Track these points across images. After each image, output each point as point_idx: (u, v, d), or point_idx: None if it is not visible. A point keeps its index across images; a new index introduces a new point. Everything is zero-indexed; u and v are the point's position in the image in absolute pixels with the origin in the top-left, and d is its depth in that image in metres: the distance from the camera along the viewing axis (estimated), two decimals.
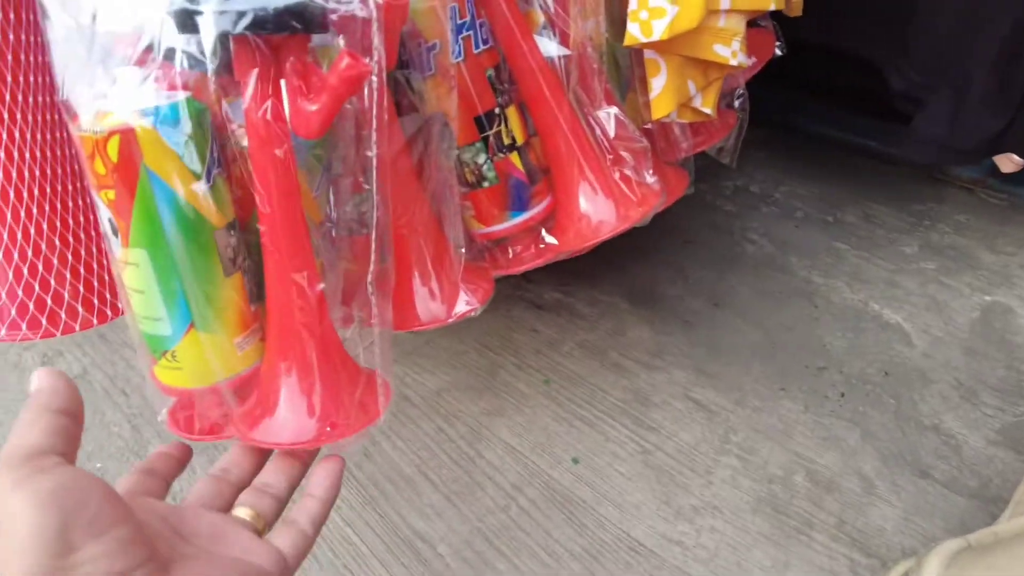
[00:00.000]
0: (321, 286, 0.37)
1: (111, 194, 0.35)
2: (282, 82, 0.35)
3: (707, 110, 0.56)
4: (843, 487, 0.66)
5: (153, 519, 0.29)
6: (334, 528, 0.65)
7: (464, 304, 0.46)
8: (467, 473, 0.69)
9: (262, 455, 0.39)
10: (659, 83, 0.53)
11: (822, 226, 0.99)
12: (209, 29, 0.33)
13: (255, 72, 0.34)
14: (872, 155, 1.03)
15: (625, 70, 0.57)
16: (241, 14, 0.32)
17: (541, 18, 0.49)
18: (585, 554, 0.62)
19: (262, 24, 0.32)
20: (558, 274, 0.88)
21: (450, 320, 0.46)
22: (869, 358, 0.79)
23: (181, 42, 0.34)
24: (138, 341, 0.40)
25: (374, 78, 0.35)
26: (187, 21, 0.33)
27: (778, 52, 0.70)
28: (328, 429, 0.37)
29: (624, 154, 0.47)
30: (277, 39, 0.34)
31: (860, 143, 1.00)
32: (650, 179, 0.48)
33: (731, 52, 0.52)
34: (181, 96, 0.36)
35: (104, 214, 0.36)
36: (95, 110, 0.34)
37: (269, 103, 0.34)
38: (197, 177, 0.36)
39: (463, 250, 0.47)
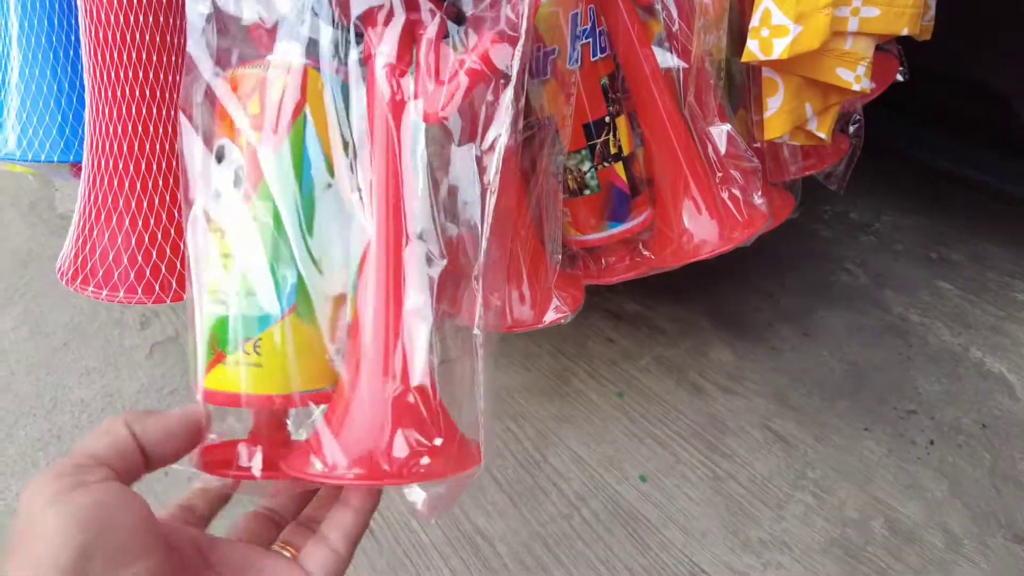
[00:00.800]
0: (439, 267, 0.33)
1: (257, 136, 0.32)
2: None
3: (822, 135, 0.54)
4: (925, 540, 0.63)
5: (185, 544, 0.28)
6: (398, 515, 0.65)
7: (555, 311, 0.46)
8: (532, 476, 0.69)
9: (311, 493, 0.34)
10: (775, 103, 0.51)
11: (924, 262, 0.93)
12: None
13: (396, 31, 0.33)
14: (987, 191, 0.97)
15: (739, 85, 0.55)
16: None
17: (661, 29, 0.48)
18: (645, 574, 0.61)
19: None
20: (640, 285, 0.87)
21: (540, 325, 0.46)
22: (965, 407, 0.75)
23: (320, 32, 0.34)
24: (193, 344, 0.33)
25: (518, 53, 0.33)
26: None
27: (900, 78, 0.66)
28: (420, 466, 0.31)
29: (733, 173, 0.46)
30: (417, 15, 0.33)
31: (975, 177, 0.94)
32: (758, 200, 0.46)
33: (855, 77, 0.50)
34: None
35: (232, 163, 0.33)
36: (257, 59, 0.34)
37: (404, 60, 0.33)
38: (344, 145, 0.34)
39: (559, 256, 0.46)
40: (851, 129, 0.60)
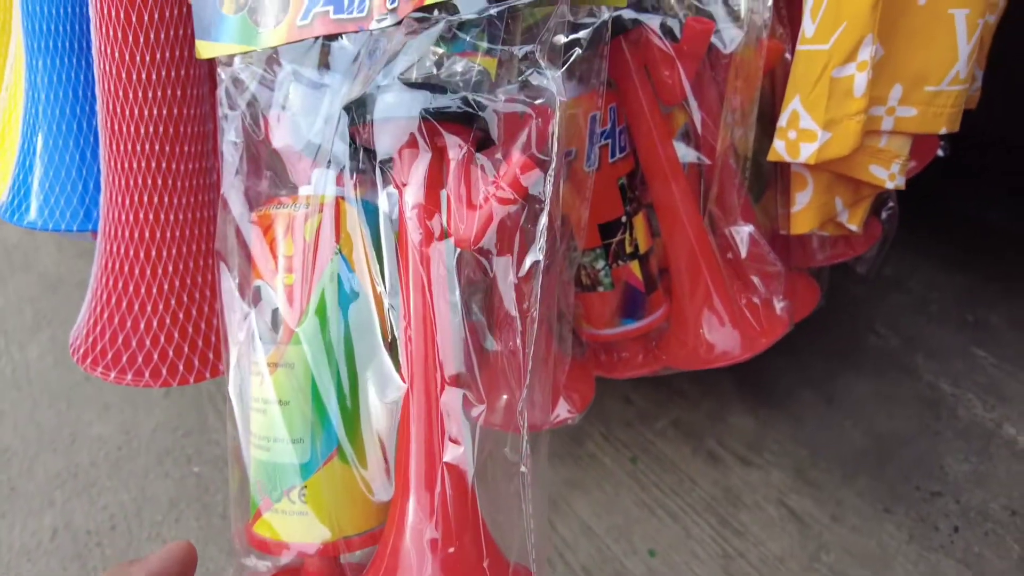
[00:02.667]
0: (478, 410, 0.31)
1: (290, 279, 0.32)
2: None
3: (853, 227, 0.52)
4: None
5: None
6: None
7: (564, 411, 0.45)
8: None
9: None
10: (803, 199, 0.49)
11: (959, 325, 0.90)
12: (384, 115, 0.32)
13: (424, 159, 0.32)
14: None
15: (766, 171, 0.53)
16: (416, 99, 0.31)
17: (685, 119, 0.46)
18: None
19: (437, 114, 0.31)
20: None
21: (546, 427, 0.45)
22: (995, 491, 0.72)
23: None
24: (236, 488, 0.34)
25: (551, 176, 0.32)
26: (361, 109, 0.33)
27: (940, 153, 0.64)
28: None
29: (754, 278, 0.44)
30: (448, 128, 0.33)
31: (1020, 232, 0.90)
32: (779, 306, 0.45)
33: (889, 175, 0.48)
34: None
35: (270, 305, 0.33)
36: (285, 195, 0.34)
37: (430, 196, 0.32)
38: (380, 277, 0.33)
39: (569, 355, 0.45)
40: (884, 215, 0.58)
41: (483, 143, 0.34)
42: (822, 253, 0.54)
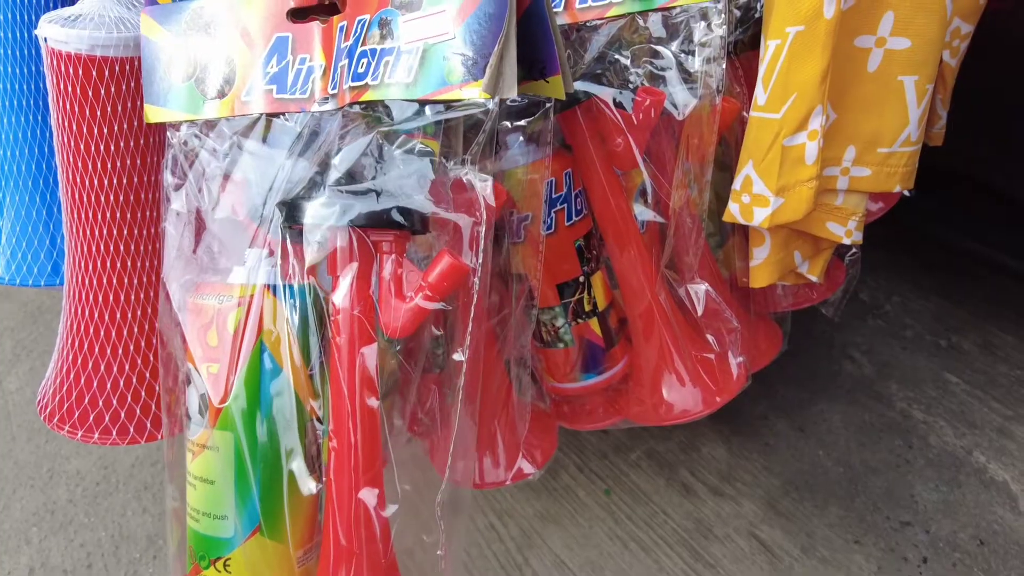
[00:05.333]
0: (391, 510, 0.34)
1: (215, 368, 0.35)
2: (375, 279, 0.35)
3: (813, 278, 0.52)
4: None
5: None
6: None
7: (525, 467, 0.45)
8: None
9: None
10: (761, 254, 0.50)
11: (933, 350, 0.91)
12: (314, 221, 0.33)
13: (352, 268, 0.34)
14: (1008, 274, 0.94)
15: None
16: (347, 208, 0.32)
17: (643, 180, 0.47)
18: None
19: (368, 220, 0.32)
20: None
21: (507, 483, 0.45)
22: (963, 520, 0.73)
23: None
24: (175, 546, 0.37)
25: (476, 281, 0.34)
26: (293, 213, 0.34)
27: (906, 194, 0.64)
28: None
29: (709, 337, 0.45)
30: (377, 235, 0.34)
31: (996, 258, 0.91)
32: (735, 362, 0.45)
33: (846, 231, 0.49)
34: (303, 280, 0.36)
35: (198, 390, 0.35)
36: (216, 282, 0.35)
37: (361, 301, 0.34)
38: (307, 360, 0.36)
39: (528, 411, 0.46)
40: (847, 259, 0.58)
41: (423, 226, 0.35)
42: (785, 300, 0.55)
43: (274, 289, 0.35)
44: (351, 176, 0.33)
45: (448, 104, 0.31)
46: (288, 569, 0.36)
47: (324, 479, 0.36)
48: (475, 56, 0.30)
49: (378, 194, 0.32)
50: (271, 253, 0.36)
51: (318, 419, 0.37)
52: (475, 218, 0.33)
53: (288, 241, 0.36)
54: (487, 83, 0.30)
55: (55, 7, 0.48)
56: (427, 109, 0.33)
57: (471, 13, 0.30)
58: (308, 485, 0.35)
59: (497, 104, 0.30)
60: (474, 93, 0.30)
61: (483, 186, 0.31)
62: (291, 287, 0.36)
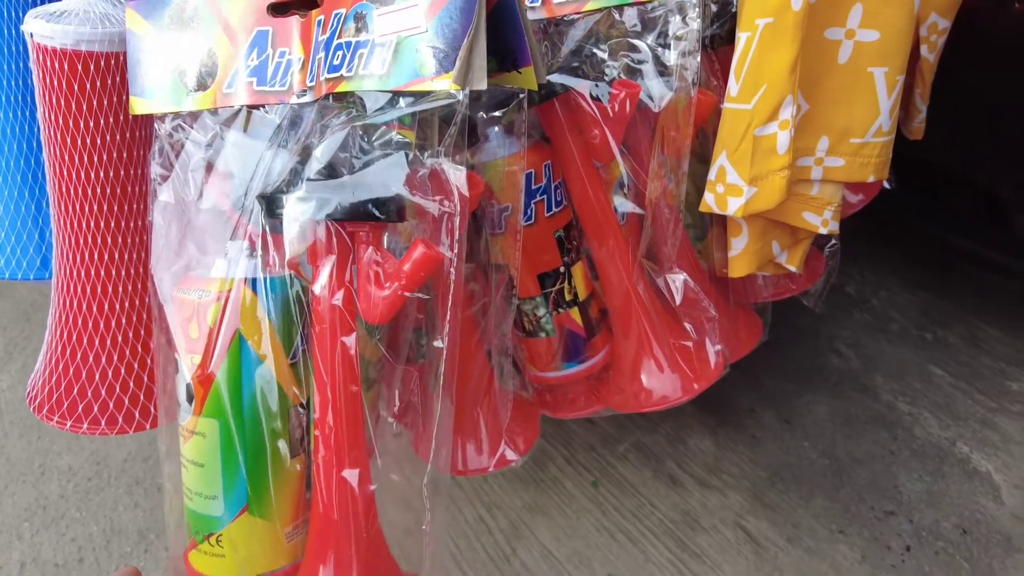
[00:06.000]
0: (373, 487, 0.36)
1: (197, 359, 0.36)
2: (353, 268, 0.36)
3: (792, 268, 0.53)
4: None
5: None
6: None
7: (508, 454, 0.46)
8: (500, 572, 0.69)
9: None
10: (739, 244, 0.51)
11: (918, 343, 0.92)
12: (293, 215, 0.34)
13: (331, 259, 0.35)
14: (992, 268, 0.95)
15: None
16: (324, 202, 0.33)
17: (621, 173, 0.48)
18: None
19: (345, 214, 0.33)
20: None
21: (489, 470, 0.46)
22: (946, 510, 0.74)
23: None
24: (175, 519, 0.40)
25: (452, 271, 0.34)
26: (272, 206, 0.35)
27: (887, 186, 0.65)
28: None
29: (687, 325, 0.46)
30: (353, 227, 0.35)
31: (982, 253, 0.92)
32: (713, 351, 0.46)
33: (822, 221, 0.50)
34: (283, 271, 0.37)
35: (183, 379, 0.37)
36: (198, 276, 0.36)
37: (340, 291, 0.35)
38: (287, 350, 0.37)
39: (511, 398, 0.47)
40: (827, 251, 0.59)
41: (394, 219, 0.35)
42: (766, 290, 0.56)
43: (253, 283, 0.36)
44: (330, 167, 0.33)
45: (420, 95, 0.32)
46: (277, 544, 0.38)
47: (313, 460, 0.37)
48: (446, 49, 0.31)
49: (354, 186, 0.32)
50: (251, 245, 0.37)
51: (301, 405, 0.38)
52: (450, 208, 0.34)
53: (269, 232, 0.37)
54: (457, 75, 0.30)
55: (42, 3, 0.49)
56: (400, 100, 0.34)
57: (442, 7, 0.31)
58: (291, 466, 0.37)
59: (467, 95, 0.31)
60: (445, 84, 0.31)
61: (457, 176, 0.32)
62: (271, 279, 0.37)
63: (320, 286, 0.35)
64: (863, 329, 0.94)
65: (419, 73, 0.32)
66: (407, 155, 0.34)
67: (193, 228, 0.38)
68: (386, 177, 0.32)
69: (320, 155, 0.33)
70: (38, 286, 1.07)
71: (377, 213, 0.33)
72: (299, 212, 0.34)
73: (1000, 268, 0.91)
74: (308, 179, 0.33)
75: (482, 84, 0.31)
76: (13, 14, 0.48)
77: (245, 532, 0.37)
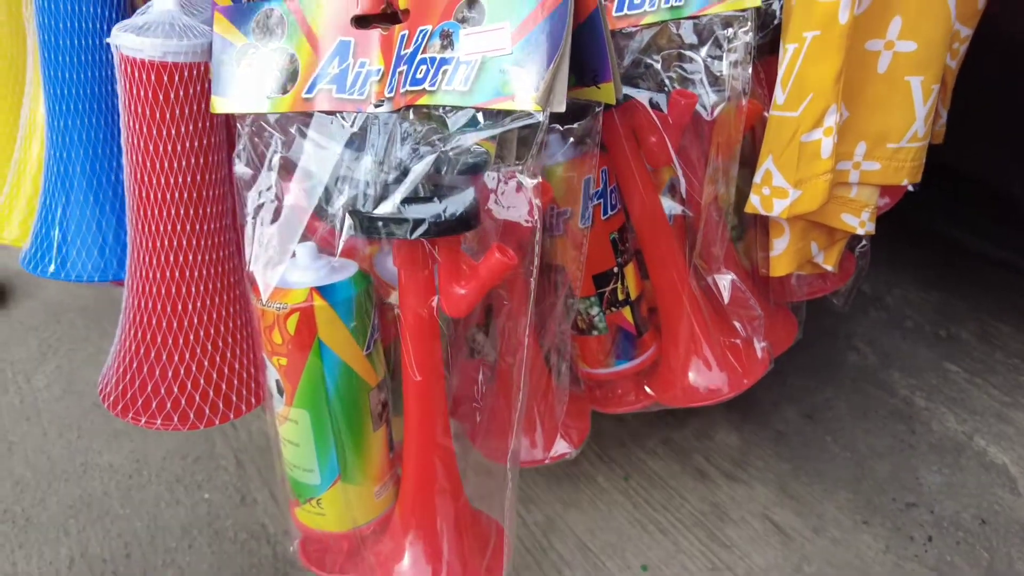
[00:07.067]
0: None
1: (283, 360, 0.40)
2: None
3: (829, 267, 0.56)
4: None
5: None
6: None
7: (563, 447, 0.48)
8: (538, 563, 0.71)
9: None
10: (781, 244, 0.53)
11: (933, 341, 0.95)
12: (388, 236, 0.36)
13: (415, 272, 0.37)
14: (1005, 267, 0.97)
15: (747, 214, 0.57)
16: (419, 222, 0.35)
17: (672, 175, 0.50)
18: None
19: (436, 231, 0.35)
20: None
21: (546, 462, 0.48)
22: (965, 501, 0.76)
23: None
24: (282, 480, 0.45)
25: (532, 281, 0.37)
26: (365, 224, 0.37)
27: (910, 188, 0.68)
28: None
29: (736, 323, 0.48)
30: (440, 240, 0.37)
31: (995, 254, 0.94)
32: (759, 347, 0.49)
33: (859, 222, 0.52)
34: (352, 269, 0.39)
35: (272, 375, 0.41)
36: (275, 287, 0.39)
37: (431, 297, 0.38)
38: (361, 345, 0.40)
39: (567, 389, 0.49)
40: (857, 251, 0.61)
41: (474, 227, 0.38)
42: (800, 290, 0.58)
43: (326, 290, 0.39)
44: (420, 184, 0.36)
45: (501, 114, 0.34)
46: (369, 501, 0.44)
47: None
48: (530, 71, 0.33)
49: (444, 205, 0.35)
50: (323, 246, 0.40)
51: (379, 385, 0.43)
52: (529, 221, 0.36)
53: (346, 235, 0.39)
54: (539, 96, 0.33)
55: (111, 14, 0.51)
56: (479, 117, 0.36)
57: (530, 31, 0.33)
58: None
59: (547, 116, 0.33)
60: (527, 105, 0.33)
61: (532, 185, 0.35)
62: (344, 283, 0.40)
63: (405, 293, 0.37)
64: (879, 327, 0.96)
65: (501, 92, 0.34)
66: (486, 166, 0.36)
67: (276, 226, 0.40)
68: (469, 192, 0.34)
69: (412, 175, 0.35)
70: (68, 287, 1.09)
71: (462, 228, 0.35)
72: (395, 235, 0.36)
73: (1012, 266, 0.93)
74: (404, 200, 0.35)
75: (561, 107, 0.33)
76: (87, 25, 0.49)
77: (340, 497, 0.43)
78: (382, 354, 0.43)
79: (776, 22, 0.50)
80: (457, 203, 0.35)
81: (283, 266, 0.39)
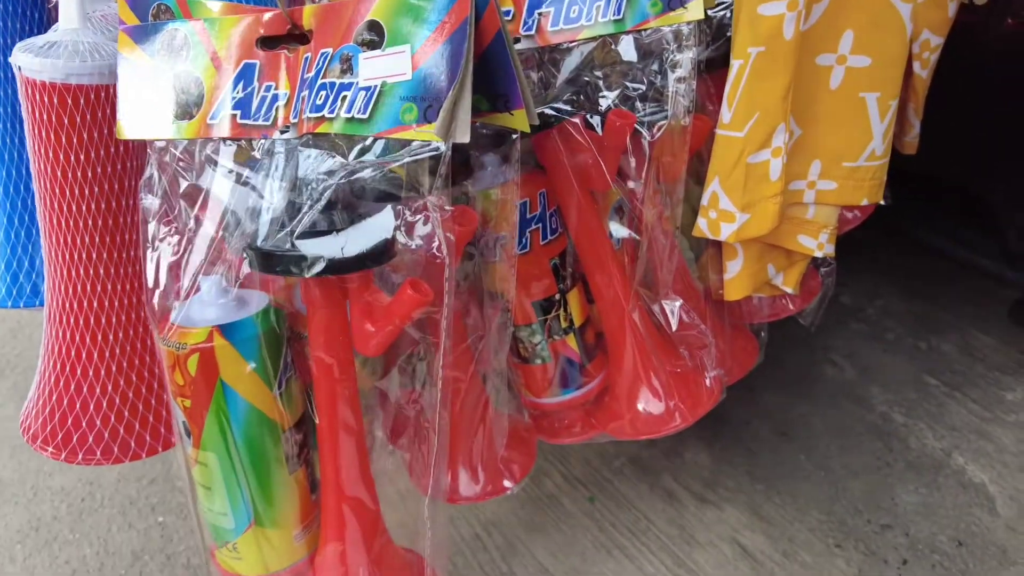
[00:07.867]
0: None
1: (187, 402, 0.38)
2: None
3: (788, 289, 0.53)
4: None
5: None
6: None
7: (504, 482, 0.46)
8: None
9: None
10: (735, 267, 0.51)
11: (913, 353, 0.92)
12: (284, 273, 0.34)
13: (321, 310, 0.35)
14: (987, 275, 0.95)
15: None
16: (316, 260, 0.33)
17: (618, 196, 0.47)
18: None
19: (337, 269, 0.33)
20: None
21: (485, 498, 0.46)
22: (942, 522, 0.74)
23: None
24: (199, 523, 0.44)
25: (443, 320, 0.35)
26: (264, 262, 0.34)
27: (883, 203, 0.65)
28: None
29: (683, 352, 0.46)
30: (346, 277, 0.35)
31: (976, 262, 0.92)
32: (709, 376, 0.46)
33: (817, 244, 0.50)
34: (259, 304, 0.37)
35: (179, 416, 0.39)
36: (176, 325, 0.36)
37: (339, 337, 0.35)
38: (270, 385, 0.38)
39: (506, 426, 0.47)
40: (823, 271, 0.59)
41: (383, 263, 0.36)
42: (762, 311, 0.56)
43: (229, 328, 0.36)
44: (324, 211, 0.33)
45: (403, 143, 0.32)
46: (286, 546, 0.42)
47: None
48: (430, 99, 0.30)
49: (346, 239, 0.32)
50: (229, 280, 0.37)
51: (294, 426, 0.41)
52: (439, 255, 0.34)
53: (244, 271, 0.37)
54: (439, 127, 0.30)
55: (30, 33, 0.48)
56: (377, 145, 0.34)
57: (429, 56, 0.31)
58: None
59: (449, 147, 0.31)
60: (427, 135, 0.31)
61: (444, 222, 0.32)
62: (248, 320, 0.38)
63: (313, 334, 0.35)
64: (858, 339, 0.94)
65: (401, 120, 0.32)
66: (396, 202, 0.34)
67: (179, 258, 0.38)
68: (377, 224, 0.32)
69: (308, 208, 0.33)
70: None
71: (370, 263, 0.33)
72: (292, 272, 0.34)
73: (994, 276, 0.91)
74: (301, 235, 0.33)
75: (465, 137, 0.31)
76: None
77: (256, 541, 0.41)
78: (300, 392, 0.40)
79: (730, 33, 0.47)
80: (360, 238, 0.32)
81: (185, 302, 0.37)
